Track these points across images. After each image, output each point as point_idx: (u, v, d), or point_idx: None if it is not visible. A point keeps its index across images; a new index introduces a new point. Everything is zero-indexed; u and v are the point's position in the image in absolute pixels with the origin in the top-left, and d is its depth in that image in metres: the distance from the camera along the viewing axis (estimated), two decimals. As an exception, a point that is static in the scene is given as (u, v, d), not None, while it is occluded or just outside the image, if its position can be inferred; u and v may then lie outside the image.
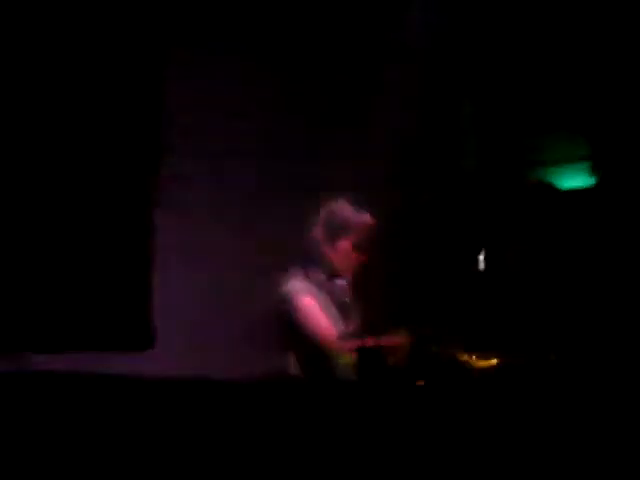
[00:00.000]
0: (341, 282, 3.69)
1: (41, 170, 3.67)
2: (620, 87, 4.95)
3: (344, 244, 3.70)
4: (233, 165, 4.82)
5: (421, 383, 2.85)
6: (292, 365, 3.66)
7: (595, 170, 4.78)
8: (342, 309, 3.67)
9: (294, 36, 5.09)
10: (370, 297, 3.75)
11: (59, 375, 1.38)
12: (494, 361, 3.14)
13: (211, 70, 4.85)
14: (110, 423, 1.23)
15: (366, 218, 3.74)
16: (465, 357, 3.16)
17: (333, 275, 3.70)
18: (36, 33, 3.88)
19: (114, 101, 4.07)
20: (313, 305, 3.63)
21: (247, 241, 4.78)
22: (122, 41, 4.13)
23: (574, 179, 5.20)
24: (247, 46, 4.95)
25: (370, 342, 2.84)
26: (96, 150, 3.93)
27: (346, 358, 3.33)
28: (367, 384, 2.70)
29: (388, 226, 3.89)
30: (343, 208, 3.77)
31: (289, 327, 3.65)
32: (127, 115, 4.09)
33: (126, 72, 4.16)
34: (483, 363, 3.14)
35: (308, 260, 3.78)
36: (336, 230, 3.71)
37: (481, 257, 3.34)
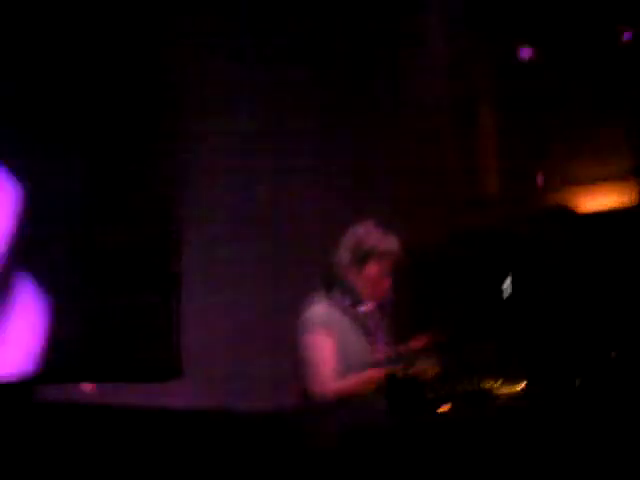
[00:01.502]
0: (366, 308, 3.66)
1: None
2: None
3: (371, 269, 3.62)
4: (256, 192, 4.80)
5: (445, 409, 2.85)
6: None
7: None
8: (367, 335, 3.65)
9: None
10: (398, 324, 3.74)
11: (84, 407, 1.40)
12: (519, 387, 3.13)
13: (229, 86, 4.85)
14: (135, 454, 1.25)
15: (394, 243, 3.70)
16: (489, 384, 3.16)
17: (357, 301, 3.67)
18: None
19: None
20: (323, 344, 3.57)
21: (277, 270, 4.73)
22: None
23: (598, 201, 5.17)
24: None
25: (400, 372, 2.84)
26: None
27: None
28: (397, 414, 2.70)
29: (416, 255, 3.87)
30: (370, 232, 3.70)
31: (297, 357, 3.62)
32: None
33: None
34: (507, 390, 3.13)
35: (332, 285, 3.77)
36: (363, 255, 3.66)
37: (507, 283, 3.33)
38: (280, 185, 4.94)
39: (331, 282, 3.73)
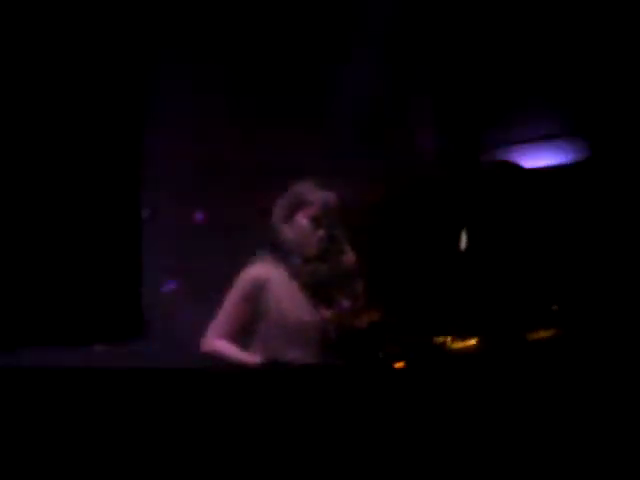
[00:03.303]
0: (315, 265, 3.61)
1: (27, 167, 3.62)
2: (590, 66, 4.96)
3: (300, 220, 3.60)
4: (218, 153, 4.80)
5: (400, 365, 2.80)
6: None
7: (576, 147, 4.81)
8: (309, 293, 3.60)
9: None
10: (340, 278, 3.69)
11: (46, 370, 1.32)
12: (471, 342, 3.10)
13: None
14: (98, 416, 1.16)
15: (325, 192, 3.65)
16: (441, 339, 3.12)
17: (308, 259, 3.61)
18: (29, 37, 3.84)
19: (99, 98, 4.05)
20: (236, 305, 3.55)
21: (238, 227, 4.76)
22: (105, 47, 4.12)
23: (541, 158, 5.21)
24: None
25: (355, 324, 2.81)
26: (83, 146, 3.89)
27: None
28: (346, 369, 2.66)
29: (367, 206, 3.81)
30: (303, 184, 3.69)
31: None
32: (110, 113, 4.09)
33: (110, 75, 4.15)
34: (459, 345, 3.10)
35: (276, 243, 3.71)
36: (294, 205, 3.63)
37: (463, 237, 3.29)
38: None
39: (274, 240, 3.68)
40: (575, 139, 4.96)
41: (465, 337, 3.12)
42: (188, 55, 4.83)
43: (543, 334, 3.08)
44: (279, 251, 3.61)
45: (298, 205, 3.61)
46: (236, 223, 4.86)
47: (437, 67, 5.52)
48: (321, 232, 3.59)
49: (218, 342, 3.49)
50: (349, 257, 3.61)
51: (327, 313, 3.52)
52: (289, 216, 3.63)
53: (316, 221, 3.59)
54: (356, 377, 2.69)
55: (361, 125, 5.12)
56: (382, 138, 5.33)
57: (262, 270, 3.58)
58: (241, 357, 3.48)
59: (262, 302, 3.53)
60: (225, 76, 5.01)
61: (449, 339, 3.13)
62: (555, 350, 2.97)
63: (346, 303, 3.52)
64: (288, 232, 3.61)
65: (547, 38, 5.12)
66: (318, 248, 3.59)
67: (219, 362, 3.42)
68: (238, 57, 5.08)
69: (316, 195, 3.62)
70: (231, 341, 3.52)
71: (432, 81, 5.57)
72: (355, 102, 5.17)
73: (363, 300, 3.53)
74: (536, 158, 5.24)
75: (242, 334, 3.54)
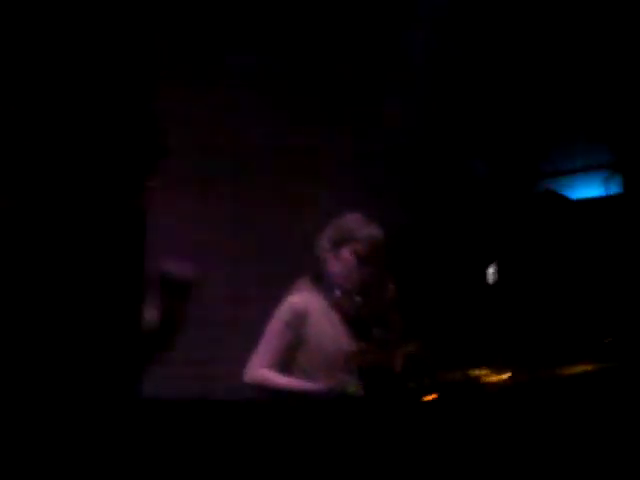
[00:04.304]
0: (355, 298, 3.61)
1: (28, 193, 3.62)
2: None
3: (346, 254, 3.61)
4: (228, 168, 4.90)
5: (431, 398, 2.79)
6: None
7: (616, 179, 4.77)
8: (348, 325, 3.61)
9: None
10: (379, 312, 3.69)
11: None
12: (506, 376, 3.07)
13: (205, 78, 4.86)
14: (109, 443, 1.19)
15: (373, 229, 3.65)
16: (476, 372, 3.10)
17: (347, 292, 3.61)
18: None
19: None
20: (280, 334, 3.55)
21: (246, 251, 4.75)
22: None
23: (587, 189, 5.17)
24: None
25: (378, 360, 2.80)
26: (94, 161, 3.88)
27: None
28: (375, 401, 2.65)
29: (397, 239, 3.81)
30: (351, 218, 3.70)
31: None
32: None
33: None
34: (494, 378, 3.07)
35: (319, 273, 3.72)
36: (340, 239, 3.63)
37: (491, 270, 3.27)
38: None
39: (318, 270, 3.70)
40: (620, 171, 4.91)
41: (499, 371, 3.10)
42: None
43: (580, 369, 3.03)
44: (321, 281, 3.62)
45: (345, 239, 3.61)
46: (252, 250, 4.88)
47: (490, 103, 5.53)
48: (364, 269, 3.59)
49: (265, 372, 3.48)
50: (389, 291, 3.62)
51: (364, 344, 3.52)
52: (334, 249, 3.64)
53: (361, 258, 3.60)
54: (387, 408, 2.69)
55: (399, 151, 5.13)
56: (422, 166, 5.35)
57: (303, 299, 3.60)
58: (305, 386, 3.44)
59: (303, 331, 3.55)
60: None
61: (483, 372, 3.10)
62: (593, 386, 2.92)
63: (383, 335, 3.51)
64: (332, 264, 3.62)
65: (594, 75, 5.10)
66: (360, 284, 3.60)
67: (266, 392, 3.40)
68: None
69: (363, 232, 3.62)
70: (276, 371, 3.51)
71: (484, 115, 5.58)
72: (394, 130, 5.20)
73: (400, 332, 3.52)
74: (583, 189, 5.20)
75: (284, 363, 3.54)
